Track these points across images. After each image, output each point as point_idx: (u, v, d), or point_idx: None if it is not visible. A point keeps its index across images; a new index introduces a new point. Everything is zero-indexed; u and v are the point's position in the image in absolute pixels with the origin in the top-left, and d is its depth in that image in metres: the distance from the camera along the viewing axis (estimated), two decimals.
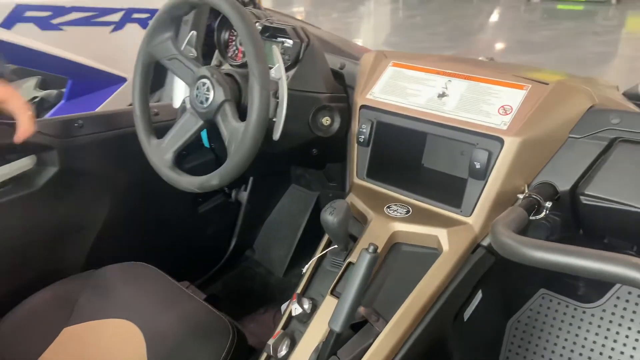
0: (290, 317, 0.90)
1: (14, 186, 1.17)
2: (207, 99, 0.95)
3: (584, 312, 1.29)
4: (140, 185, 1.40)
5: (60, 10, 2.03)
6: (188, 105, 1.17)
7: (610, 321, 1.25)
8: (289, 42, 1.06)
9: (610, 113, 0.84)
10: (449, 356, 1.12)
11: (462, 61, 1.10)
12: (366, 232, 0.92)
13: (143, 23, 2.34)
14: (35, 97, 2.37)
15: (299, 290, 0.93)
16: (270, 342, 0.85)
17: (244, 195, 1.72)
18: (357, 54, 1.29)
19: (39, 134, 1.17)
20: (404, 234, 0.90)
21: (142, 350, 1.00)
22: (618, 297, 1.25)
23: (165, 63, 1.03)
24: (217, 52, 1.17)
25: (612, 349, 1.24)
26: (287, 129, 0.95)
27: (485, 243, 0.90)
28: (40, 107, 2.31)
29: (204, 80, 0.96)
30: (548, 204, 0.83)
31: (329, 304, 0.86)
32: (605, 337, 1.25)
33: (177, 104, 1.17)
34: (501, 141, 0.85)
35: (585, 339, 1.28)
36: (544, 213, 0.82)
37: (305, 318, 0.88)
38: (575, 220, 0.90)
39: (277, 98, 0.95)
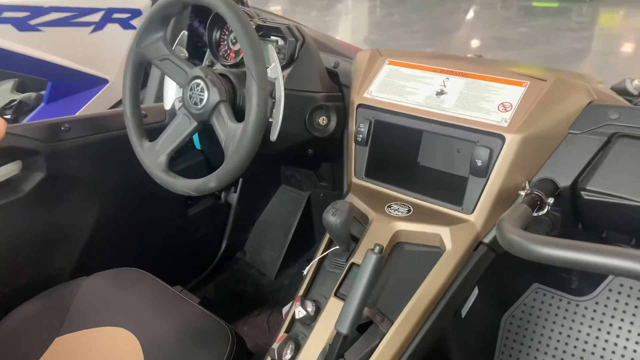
0: (293, 320, 0.88)
1: None
2: (201, 100, 0.93)
3: (577, 305, 1.31)
4: (128, 189, 1.37)
5: (38, 11, 1.97)
6: (176, 106, 1.15)
7: (603, 313, 1.27)
8: (283, 41, 1.05)
9: (609, 108, 0.85)
10: (448, 354, 1.12)
11: (456, 58, 1.10)
12: (368, 232, 0.91)
13: (124, 23, 2.29)
14: (13, 101, 2.31)
15: (300, 293, 0.92)
16: (275, 346, 0.83)
17: (233, 197, 1.70)
18: (348, 53, 1.28)
19: (24, 138, 1.14)
20: (406, 233, 0.90)
21: (140, 358, 0.97)
22: (610, 290, 1.27)
23: (157, 64, 1.01)
24: (208, 52, 1.15)
25: (606, 340, 1.26)
26: (284, 130, 0.94)
27: (486, 240, 0.90)
28: (18, 110, 2.25)
29: (198, 81, 0.94)
30: (550, 200, 0.83)
31: (333, 305, 0.85)
32: (599, 329, 1.27)
33: (168, 105, 1.14)
34: (502, 138, 0.85)
35: (579, 331, 1.29)
36: (546, 209, 0.83)
37: (309, 321, 0.86)
38: (575, 215, 0.91)
39: (274, 98, 0.94)
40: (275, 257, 1.76)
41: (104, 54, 2.24)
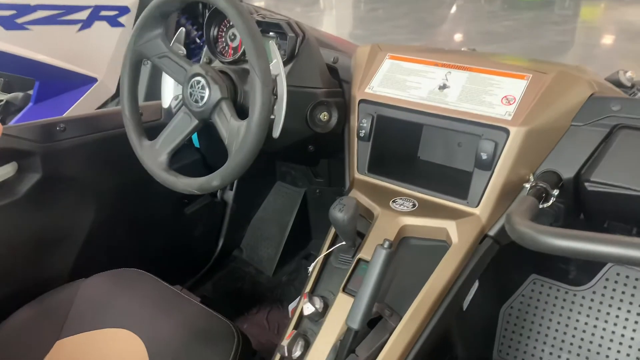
0: (301, 316, 0.88)
1: None
2: (202, 97, 0.92)
3: (574, 294, 1.33)
4: (125, 188, 1.36)
5: (24, 9, 1.94)
6: (173, 104, 1.14)
7: (601, 302, 1.29)
8: (281, 38, 1.04)
9: (610, 100, 0.86)
10: (452, 346, 1.13)
11: (455, 52, 1.11)
12: (374, 227, 0.91)
13: (111, 21, 2.26)
14: None
15: (307, 289, 0.92)
16: (285, 343, 0.83)
17: (229, 195, 1.70)
18: (343, 48, 1.28)
19: (19, 139, 1.12)
20: (412, 227, 0.90)
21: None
22: (607, 279, 1.29)
23: (156, 61, 1.00)
24: (206, 48, 1.14)
25: (603, 329, 1.28)
26: (285, 126, 0.93)
27: (492, 233, 0.91)
28: (5, 111, 2.21)
29: (198, 78, 0.93)
30: (555, 192, 0.84)
31: (342, 301, 0.85)
32: (596, 318, 1.29)
33: (166, 103, 1.13)
34: (507, 131, 0.86)
35: (577, 320, 1.31)
36: (551, 201, 0.84)
37: (318, 317, 0.86)
38: (577, 206, 0.92)
39: (276, 95, 0.93)
40: (273, 254, 1.76)
41: (92, 52, 2.21)
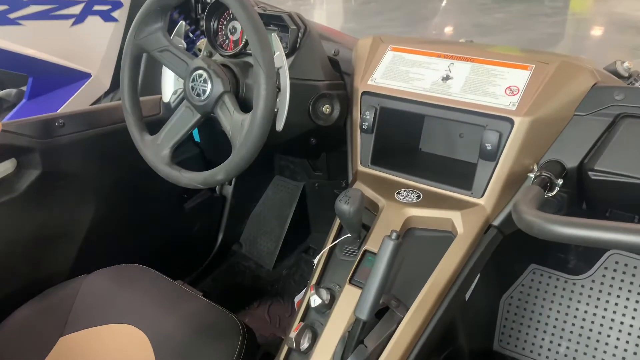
0: (307, 308, 0.88)
1: None
2: (204, 91, 0.91)
3: (574, 283, 1.34)
4: (125, 184, 1.35)
5: (17, 4, 1.91)
6: (171, 99, 1.13)
7: (600, 291, 1.31)
8: (284, 30, 1.04)
9: (613, 90, 0.87)
10: (456, 337, 1.14)
11: (456, 44, 1.11)
12: (379, 219, 0.91)
13: (104, 16, 2.24)
14: None
15: (313, 282, 0.92)
16: (292, 335, 0.83)
17: (228, 190, 1.70)
18: (343, 41, 1.27)
19: (18, 135, 1.11)
20: (417, 219, 0.90)
21: (150, 355, 0.96)
22: (606, 267, 1.30)
23: (156, 55, 0.99)
24: (206, 42, 1.13)
25: (603, 317, 1.29)
26: (288, 119, 0.93)
27: (496, 223, 0.91)
28: None
29: (200, 71, 0.92)
30: (560, 181, 0.84)
31: (348, 293, 0.85)
32: (596, 306, 1.31)
33: (167, 97, 1.12)
34: (511, 122, 0.86)
35: (577, 309, 1.33)
36: (556, 190, 0.84)
37: (325, 309, 0.86)
38: (581, 195, 0.93)
39: (279, 88, 0.93)
40: (272, 248, 1.76)
41: (86, 47, 2.19)
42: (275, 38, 0.94)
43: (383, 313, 0.83)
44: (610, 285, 1.29)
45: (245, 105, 0.95)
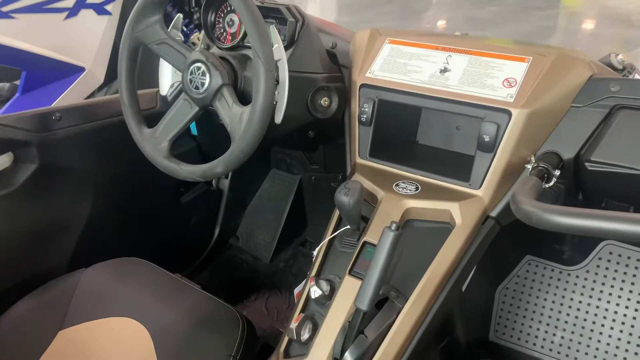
0: (307, 299, 0.89)
1: None
2: (202, 84, 0.91)
3: (568, 274, 1.36)
4: (122, 177, 1.35)
5: None
6: (168, 93, 1.13)
7: (594, 281, 1.32)
8: (282, 22, 1.04)
9: (610, 81, 0.88)
10: (454, 327, 1.15)
11: (453, 36, 1.11)
12: (378, 211, 0.92)
13: (98, 9, 2.22)
14: None
15: (313, 273, 0.93)
16: (293, 326, 0.84)
17: (225, 183, 1.70)
18: (340, 34, 1.27)
19: (14, 129, 1.10)
20: (416, 210, 0.91)
21: (150, 348, 0.96)
22: (600, 258, 1.32)
23: (154, 48, 0.99)
24: (203, 34, 1.13)
25: (597, 307, 1.31)
26: (287, 112, 0.93)
27: (494, 214, 0.92)
28: None
29: (199, 64, 0.92)
30: (557, 172, 0.85)
31: (348, 284, 0.86)
32: (590, 297, 1.32)
33: (164, 90, 1.12)
34: (509, 113, 0.87)
35: (571, 299, 1.34)
36: (553, 181, 0.85)
37: (325, 300, 0.87)
38: (577, 186, 0.94)
39: (277, 80, 0.93)
40: (269, 241, 1.77)
41: (79, 41, 2.18)
42: (273, 30, 0.94)
43: (383, 303, 0.83)
44: (604, 276, 1.31)
45: (243, 98, 0.95)
